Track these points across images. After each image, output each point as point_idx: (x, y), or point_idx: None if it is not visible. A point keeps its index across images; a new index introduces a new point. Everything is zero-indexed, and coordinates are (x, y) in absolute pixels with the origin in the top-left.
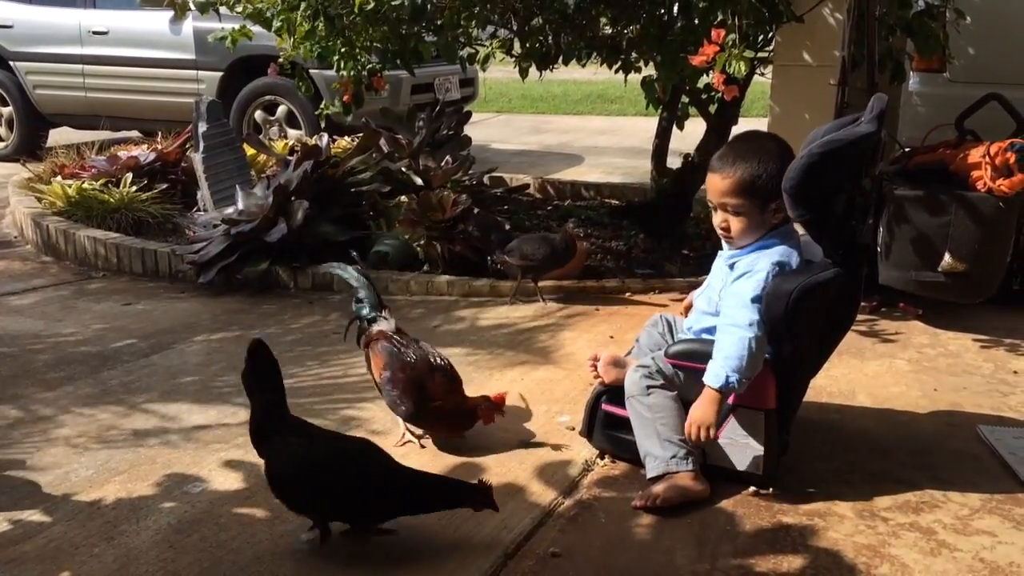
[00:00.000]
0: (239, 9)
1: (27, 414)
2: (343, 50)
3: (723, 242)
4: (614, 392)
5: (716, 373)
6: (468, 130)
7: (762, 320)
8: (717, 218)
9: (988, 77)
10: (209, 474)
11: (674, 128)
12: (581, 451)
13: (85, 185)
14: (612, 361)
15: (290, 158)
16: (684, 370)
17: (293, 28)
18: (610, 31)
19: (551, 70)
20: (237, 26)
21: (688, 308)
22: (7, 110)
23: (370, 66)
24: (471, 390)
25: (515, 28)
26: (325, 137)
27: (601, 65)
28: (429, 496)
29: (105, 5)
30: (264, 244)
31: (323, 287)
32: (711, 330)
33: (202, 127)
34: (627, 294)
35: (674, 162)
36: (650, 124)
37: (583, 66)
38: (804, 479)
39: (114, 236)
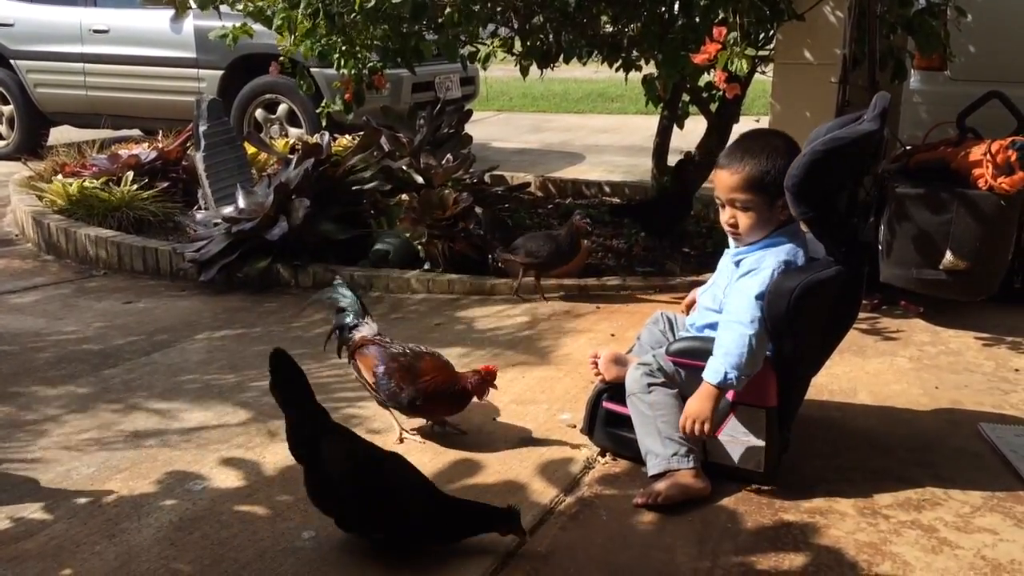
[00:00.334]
0: (240, 7)
1: (28, 412)
2: (344, 48)
3: (730, 239)
4: (615, 390)
5: (715, 369)
6: (469, 128)
7: (764, 318)
8: (725, 214)
9: (989, 75)
10: (210, 472)
11: (675, 127)
12: (582, 449)
13: (86, 184)
14: (613, 359)
15: (291, 156)
16: (685, 368)
17: (294, 26)
18: (611, 29)
19: (552, 68)
20: (238, 24)
21: (689, 306)
22: (8, 109)
23: (371, 64)
24: None
25: (516, 26)
26: (326, 135)
27: (602, 63)
28: (463, 521)
29: (106, 4)
30: (265, 242)
31: (324, 285)
32: (714, 326)
33: (203, 126)
34: (628, 292)
35: (675, 160)
36: (651, 122)
37: (584, 64)
38: (805, 477)
39: (115, 234)
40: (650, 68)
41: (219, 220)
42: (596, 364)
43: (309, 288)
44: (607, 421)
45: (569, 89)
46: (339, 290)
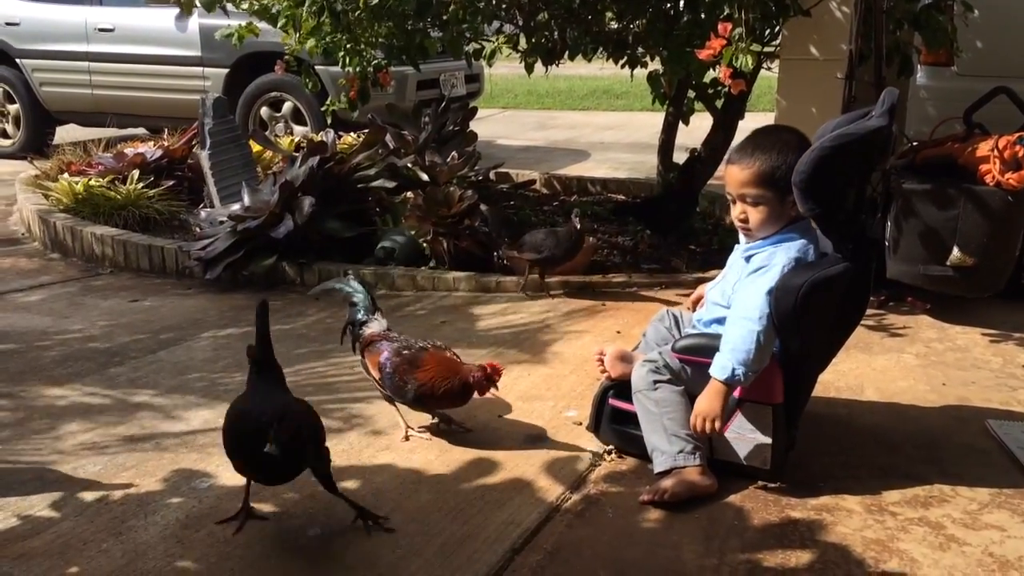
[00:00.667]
0: (245, 6)
1: (35, 410)
2: (348, 46)
3: (740, 235)
4: (621, 387)
5: (722, 365)
6: (474, 126)
7: (772, 314)
8: (736, 210)
9: (996, 70)
10: (216, 470)
11: (680, 123)
12: (588, 446)
13: (92, 182)
14: (619, 356)
15: (296, 154)
16: (691, 365)
17: (298, 24)
18: (616, 26)
19: (557, 65)
20: (243, 23)
21: (696, 302)
22: (14, 108)
23: (376, 62)
24: None
25: (520, 23)
26: (331, 133)
27: (607, 60)
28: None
29: (111, 2)
30: (270, 240)
31: None
32: (721, 321)
33: (208, 124)
34: (633, 289)
35: (681, 157)
36: (656, 119)
37: (589, 61)
38: (812, 474)
39: (121, 233)
40: (655, 65)
41: (224, 218)
42: (602, 361)
43: (314, 286)
44: (613, 418)
45: (574, 86)
46: (351, 283)
